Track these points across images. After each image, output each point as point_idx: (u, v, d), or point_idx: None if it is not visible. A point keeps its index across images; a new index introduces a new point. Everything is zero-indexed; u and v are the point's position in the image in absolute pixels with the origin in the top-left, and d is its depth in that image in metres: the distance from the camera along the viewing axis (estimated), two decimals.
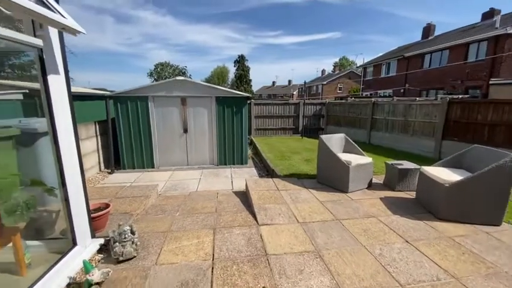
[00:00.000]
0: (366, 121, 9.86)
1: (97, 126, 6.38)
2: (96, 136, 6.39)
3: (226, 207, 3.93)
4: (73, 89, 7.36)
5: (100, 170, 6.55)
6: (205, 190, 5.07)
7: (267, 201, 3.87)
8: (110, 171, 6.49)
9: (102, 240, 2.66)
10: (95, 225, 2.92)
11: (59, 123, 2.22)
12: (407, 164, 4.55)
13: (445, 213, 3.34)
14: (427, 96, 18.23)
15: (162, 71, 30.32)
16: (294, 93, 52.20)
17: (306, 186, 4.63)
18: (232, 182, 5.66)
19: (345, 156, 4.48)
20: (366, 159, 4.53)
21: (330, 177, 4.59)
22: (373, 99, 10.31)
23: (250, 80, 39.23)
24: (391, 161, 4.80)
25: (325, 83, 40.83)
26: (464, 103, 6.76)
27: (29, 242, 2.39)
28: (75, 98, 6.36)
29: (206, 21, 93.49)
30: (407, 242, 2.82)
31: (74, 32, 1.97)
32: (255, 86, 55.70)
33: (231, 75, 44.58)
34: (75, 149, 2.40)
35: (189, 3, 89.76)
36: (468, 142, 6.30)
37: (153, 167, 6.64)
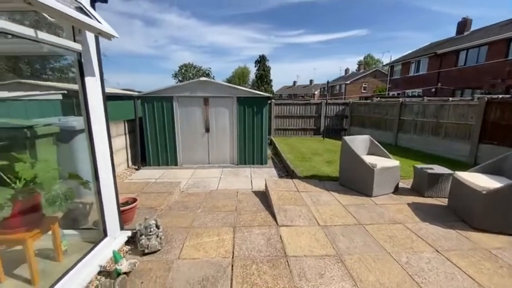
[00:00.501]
0: (393, 122, 9.39)
1: (126, 125, 6.75)
2: (125, 134, 6.76)
3: (246, 206, 3.96)
4: (106, 90, 7.85)
5: (128, 166, 6.92)
6: (225, 189, 5.16)
7: (286, 202, 3.84)
8: (136, 167, 6.84)
9: (129, 233, 2.81)
10: (124, 218, 3.09)
11: (94, 121, 2.38)
12: (438, 169, 4.26)
13: (480, 222, 3.08)
14: (461, 96, 16.94)
15: (186, 72, 31.28)
16: (316, 93, 51.21)
17: (327, 188, 4.52)
18: (251, 181, 5.69)
19: (369, 159, 4.31)
20: (392, 162, 4.32)
21: (353, 180, 4.44)
22: (400, 99, 9.79)
23: (270, 80, 39.15)
24: (420, 165, 4.53)
25: (348, 82, 39.55)
26: (505, 103, 6.18)
27: (66, 231, 2.60)
28: (107, 98, 6.79)
29: (228, 23, 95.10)
30: (437, 251, 2.64)
31: (109, 36, 2.10)
32: (276, 86, 55.55)
33: (252, 75, 44.84)
34: (107, 146, 2.56)
35: (211, 5, 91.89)
36: (509, 146, 5.75)
37: (176, 164, 6.89)
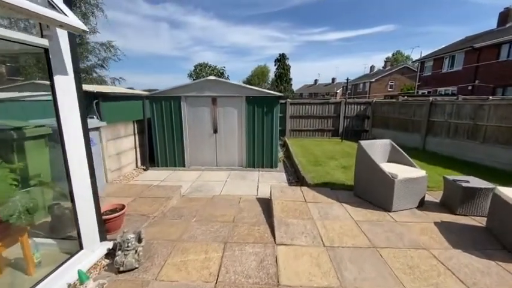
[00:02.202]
0: (421, 124, 8.46)
1: (135, 125, 6.72)
2: (134, 134, 6.73)
3: (246, 216, 3.60)
4: (114, 90, 7.84)
5: (137, 166, 6.90)
6: (229, 194, 4.85)
7: (290, 215, 3.42)
8: (145, 168, 6.78)
9: (110, 244, 2.59)
10: (109, 226, 2.89)
11: (66, 123, 2.17)
12: (475, 182, 3.57)
13: None
14: (503, 95, 15.09)
15: (201, 72, 31.26)
16: (338, 91, 49.37)
17: (339, 199, 4.01)
18: (258, 186, 5.32)
19: (389, 167, 3.74)
20: (417, 171, 3.71)
21: (369, 191, 3.90)
22: (430, 98, 8.80)
23: (290, 79, 38.30)
24: (451, 175, 3.85)
25: (373, 80, 37.50)
26: None
27: (43, 240, 2.44)
28: (117, 99, 6.78)
29: (249, 22, 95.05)
30: None
31: (75, 29, 1.86)
32: (297, 85, 54.50)
33: (272, 74, 44.28)
34: (84, 151, 2.35)
35: (234, 5, 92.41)
36: None
37: (184, 166, 6.73)
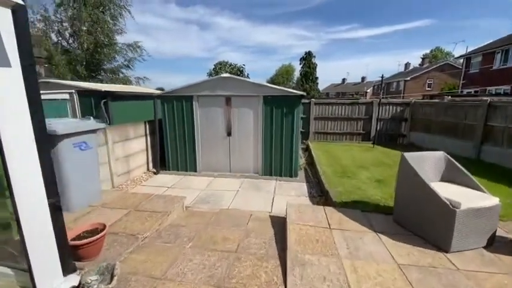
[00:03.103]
0: (475, 129, 7.05)
1: (147, 126, 6.37)
2: (146, 136, 6.38)
3: (253, 244, 2.91)
4: (124, 89, 7.54)
5: (148, 169, 6.55)
6: (238, 208, 4.19)
7: (308, 248, 2.66)
8: (155, 171, 6.41)
9: (76, 281, 2.06)
10: (83, 253, 2.38)
11: (7, 128, 1.65)
12: None
13: None
14: None
15: (220, 70, 30.73)
16: (368, 91, 46.47)
17: (374, 226, 3.14)
18: (273, 200, 4.59)
19: (446, 190, 2.79)
20: (486, 198, 2.72)
21: (416, 220, 2.98)
22: (487, 98, 7.31)
23: (316, 78, 36.74)
24: None
25: (408, 78, 34.50)
26: None
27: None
28: (126, 98, 6.47)
29: (276, 21, 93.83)
30: None
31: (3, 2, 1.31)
32: (323, 84, 52.36)
33: (297, 73, 42.91)
34: (37, 163, 1.82)
35: (260, 5, 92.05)
36: None
37: (195, 171, 6.23)
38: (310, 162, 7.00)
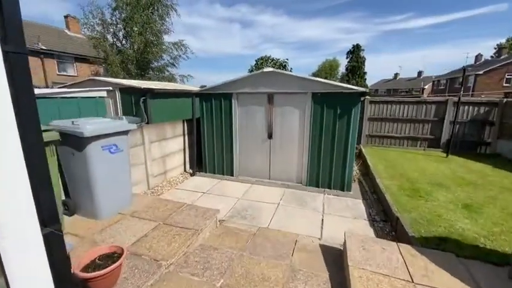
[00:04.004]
0: None
1: (185, 125, 6.08)
2: (184, 135, 6.10)
3: None
4: (163, 86, 7.36)
5: (185, 169, 6.29)
6: (280, 229, 3.49)
7: None
8: (192, 172, 6.10)
9: None
10: (96, 286, 1.95)
11: None
12: None
13: None
14: None
15: (262, 66, 29.75)
16: (426, 87, 41.00)
17: (479, 283, 2.12)
18: (322, 221, 3.76)
19: None
20: None
21: None
22: None
23: (364, 73, 33.73)
24: None
25: (481, 72, 29.14)
26: None
27: None
28: (165, 96, 6.25)
29: (320, 15, 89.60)
30: None
31: None
32: (371, 80, 48.09)
33: (342, 69, 39.95)
34: (22, 178, 1.38)
35: (304, 0, 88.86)
36: None
37: (232, 174, 5.72)
38: (365, 172, 5.90)
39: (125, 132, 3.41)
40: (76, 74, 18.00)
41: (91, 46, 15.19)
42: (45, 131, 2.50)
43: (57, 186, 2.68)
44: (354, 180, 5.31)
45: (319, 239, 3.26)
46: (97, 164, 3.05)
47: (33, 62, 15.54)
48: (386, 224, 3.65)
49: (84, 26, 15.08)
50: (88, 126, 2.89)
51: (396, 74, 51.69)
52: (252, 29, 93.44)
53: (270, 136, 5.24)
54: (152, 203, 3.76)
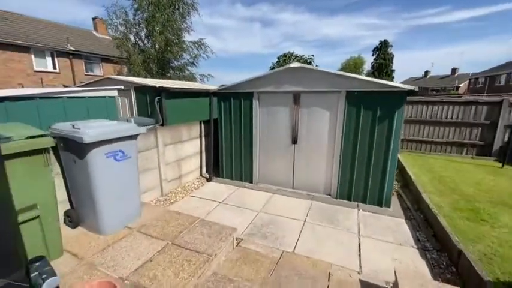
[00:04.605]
0: None
1: (202, 127, 5.68)
2: (200, 137, 5.71)
3: None
4: (181, 85, 6.97)
5: (201, 174, 5.90)
6: (308, 255, 2.91)
7: None
8: (208, 177, 5.68)
9: None
10: None
11: None
12: None
13: None
14: None
15: (285, 63, 28.11)
16: (461, 85, 37.82)
17: None
18: (359, 246, 3.12)
19: None
20: None
21: None
22: None
23: (392, 71, 31.67)
24: None
25: None
26: None
27: None
28: (181, 95, 5.87)
29: (342, 12, 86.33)
30: None
31: None
32: (398, 79, 45.25)
33: (367, 66, 37.87)
34: None
35: None
36: None
37: (251, 181, 5.22)
38: (404, 184, 5.11)
39: (133, 137, 3.02)
40: (102, 74, 18.54)
41: (115, 46, 15.47)
42: (35, 136, 2.13)
43: (52, 196, 2.33)
44: (393, 194, 4.57)
45: (359, 272, 2.65)
46: (100, 173, 2.68)
47: (62, 63, 16.17)
48: (442, 254, 2.93)
49: (109, 27, 15.40)
50: (89, 130, 2.52)
51: (427, 72, 48.26)
52: (272, 28, 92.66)
53: (294, 140, 4.65)
54: (162, 215, 3.36)
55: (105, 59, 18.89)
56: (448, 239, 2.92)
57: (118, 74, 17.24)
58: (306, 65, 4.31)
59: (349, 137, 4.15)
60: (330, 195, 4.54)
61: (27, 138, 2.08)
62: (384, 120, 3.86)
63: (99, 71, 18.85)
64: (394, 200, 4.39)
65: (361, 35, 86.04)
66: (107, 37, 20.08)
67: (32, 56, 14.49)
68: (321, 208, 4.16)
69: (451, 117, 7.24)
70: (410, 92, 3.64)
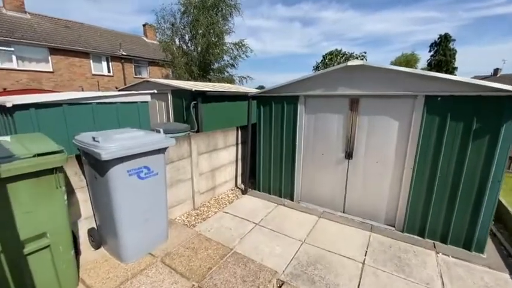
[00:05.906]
0: None
1: (239, 133, 5.19)
2: (237, 144, 5.22)
3: None
4: (218, 88, 6.50)
5: (236, 184, 5.42)
6: None
7: None
8: (243, 189, 5.15)
9: None
10: None
11: None
12: None
13: None
14: None
15: (331, 62, 24.69)
16: None
17: None
18: None
19: None
20: None
21: None
22: None
23: (454, 68, 27.51)
24: None
25: None
26: None
27: None
28: (220, 99, 5.38)
29: (391, 6, 78.74)
30: None
31: None
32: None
33: (422, 64, 33.55)
34: None
35: None
36: None
37: (291, 198, 4.53)
38: (497, 216, 3.85)
39: (161, 150, 2.60)
40: (149, 76, 19.69)
41: (161, 49, 16.16)
42: (45, 154, 1.78)
43: (64, 222, 1.99)
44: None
45: None
46: (121, 193, 2.29)
47: (115, 66, 17.52)
48: None
49: (157, 31, 16.15)
50: (109, 145, 2.14)
51: (496, 70, 40.97)
52: (312, 27, 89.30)
53: (349, 155, 3.81)
54: (190, 241, 2.89)
55: (152, 62, 20.01)
56: None
57: (165, 77, 18.04)
58: (369, 63, 3.44)
59: (427, 156, 3.17)
60: (393, 226, 3.59)
61: (34, 156, 1.74)
62: (483, 135, 2.81)
63: (146, 73, 20.06)
64: (488, 242, 3.25)
65: (411, 30, 77.28)
66: (155, 42, 21.29)
67: (91, 60, 15.94)
68: (383, 244, 3.27)
69: None
70: None
